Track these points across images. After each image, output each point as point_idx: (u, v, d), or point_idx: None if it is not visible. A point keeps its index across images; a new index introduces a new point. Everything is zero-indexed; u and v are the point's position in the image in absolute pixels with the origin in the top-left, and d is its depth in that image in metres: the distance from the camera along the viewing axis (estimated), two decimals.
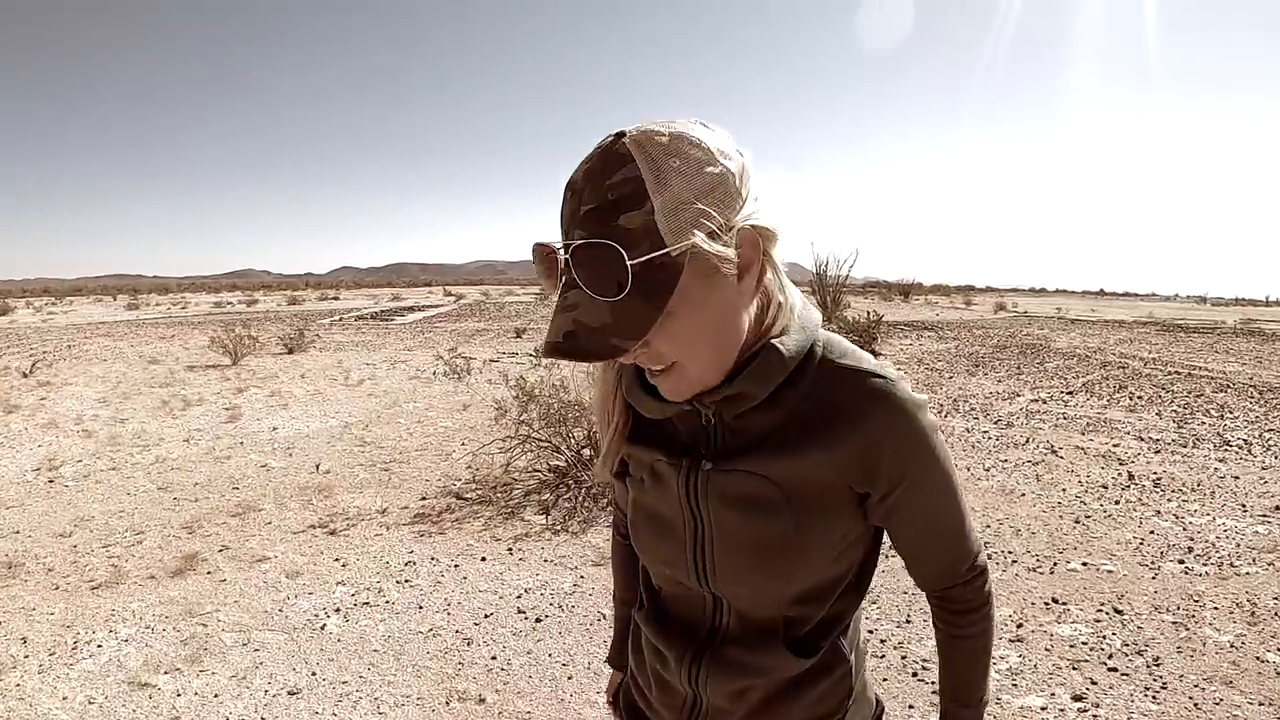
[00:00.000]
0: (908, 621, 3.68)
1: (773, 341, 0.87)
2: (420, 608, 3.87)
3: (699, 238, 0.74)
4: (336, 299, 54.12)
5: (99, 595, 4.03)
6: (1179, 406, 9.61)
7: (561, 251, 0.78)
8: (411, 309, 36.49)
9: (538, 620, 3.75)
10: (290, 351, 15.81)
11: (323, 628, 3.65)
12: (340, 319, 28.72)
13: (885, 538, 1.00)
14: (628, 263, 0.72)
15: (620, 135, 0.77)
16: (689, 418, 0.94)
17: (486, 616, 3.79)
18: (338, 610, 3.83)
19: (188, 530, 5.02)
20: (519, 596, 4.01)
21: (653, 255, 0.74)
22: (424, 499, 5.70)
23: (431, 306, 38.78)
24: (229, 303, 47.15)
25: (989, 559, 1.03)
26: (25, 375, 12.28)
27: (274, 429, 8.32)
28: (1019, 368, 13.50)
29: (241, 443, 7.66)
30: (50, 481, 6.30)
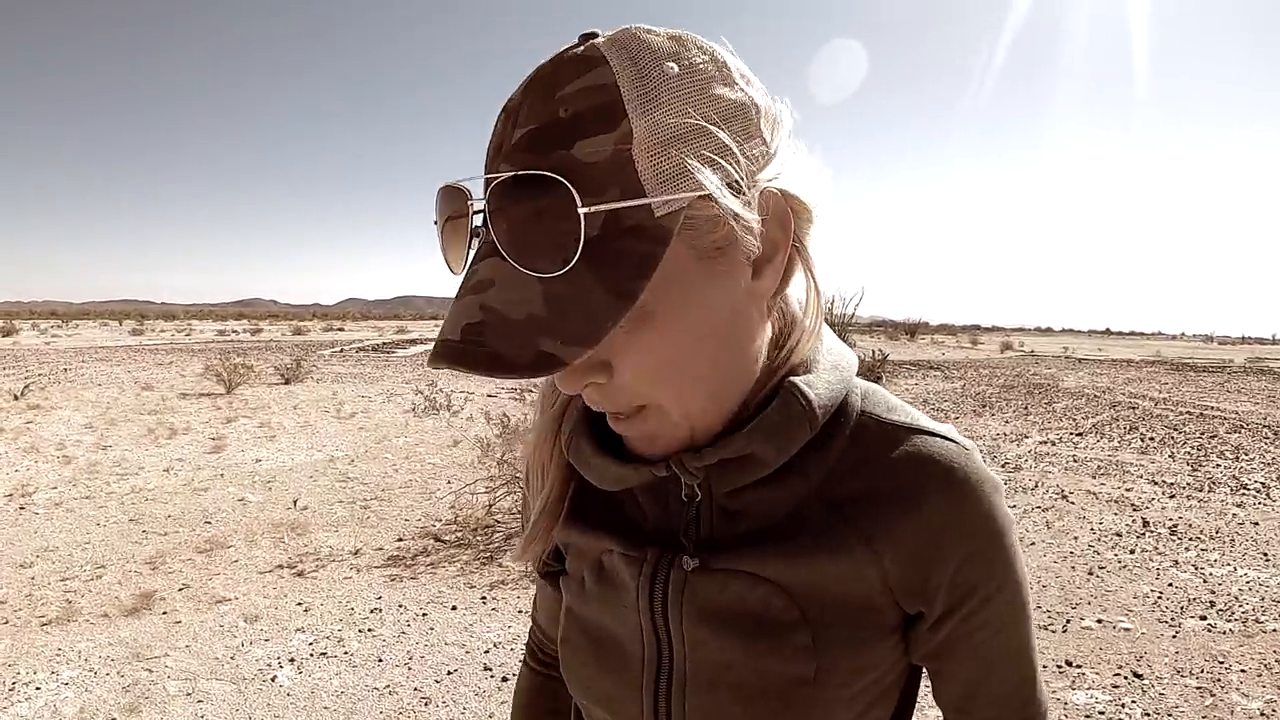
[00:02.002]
0: None
1: (795, 381, 0.58)
2: (380, 660, 3.60)
3: (707, 187, 0.47)
4: (341, 330, 54.33)
5: (48, 632, 3.83)
6: (1192, 448, 9.36)
7: (476, 206, 0.50)
8: (414, 342, 36.54)
9: (504, 680, 3.47)
10: (286, 382, 15.67)
11: (273, 679, 3.39)
12: (342, 350, 28.68)
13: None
14: (580, 210, 0.45)
15: (590, 36, 0.51)
16: (662, 489, 0.64)
17: (450, 673, 3.52)
18: (292, 660, 3.57)
19: (150, 566, 4.79)
20: (487, 652, 3.73)
21: (624, 205, 0.46)
22: (400, 540, 5.45)
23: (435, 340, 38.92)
24: (233, 331, 47.33)
25: None
26: (16, 398, 12.15)
27: (257, 461, 8.11)
28: (1026, 408, 13.25)
29: (222, 474, 7.44)
30: (21, 509, 6.11)
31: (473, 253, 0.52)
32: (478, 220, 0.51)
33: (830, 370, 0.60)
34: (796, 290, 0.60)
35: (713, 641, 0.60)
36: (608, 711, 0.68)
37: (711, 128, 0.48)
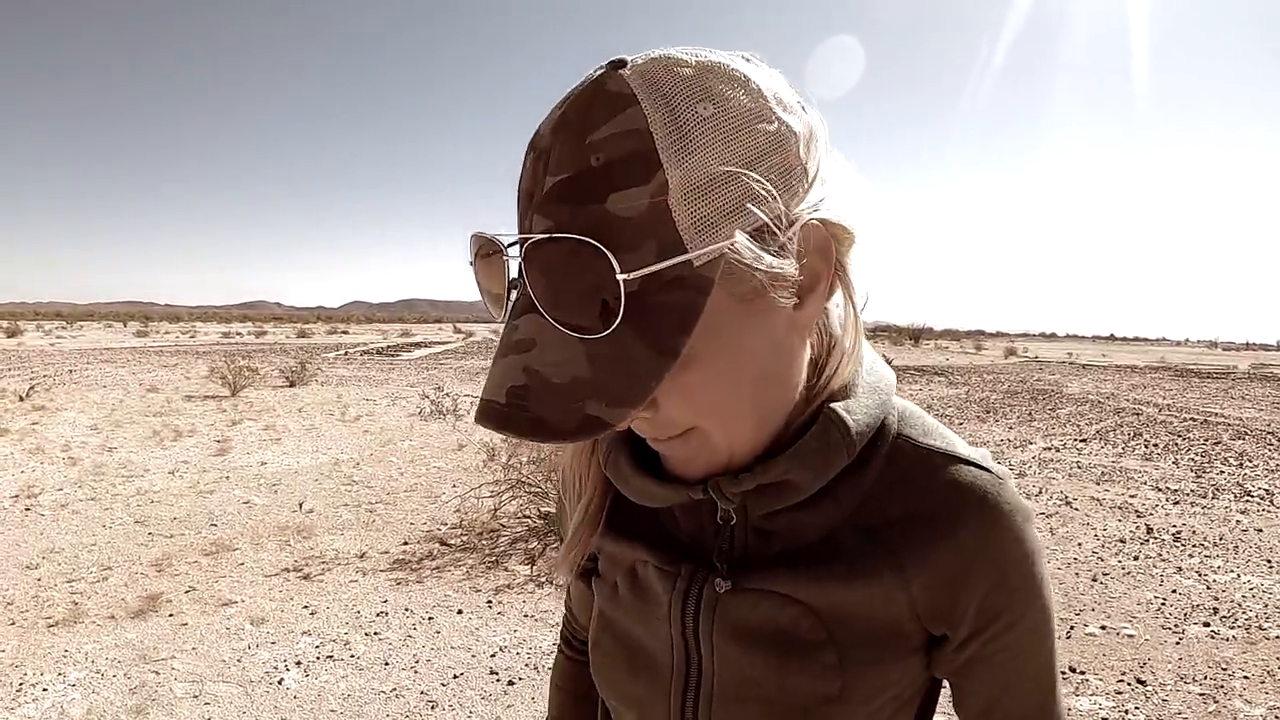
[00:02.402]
0: None
1: (834, 408, 0.58)
2: (386, 664, 3.61)
3: (741, 239, 0.46)
4: (346, 333, 54.35)
5: (54, 634, 3.84)
6: (1196, 455, 9.35)
7: (511, 250, 0.50)
8: (419, 345, 36.55)
9: (510, 684, 3.48)
10: (291, 385, 15.68)
11: (280, 682, 3.40)
12: (346, 353, 28.68)
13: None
14: (618, 276, 0.45)
15: (618, 65, 0.49)
16: (697, 509, 0.64)
17: (456, 677, 3.52)
18: (298, 663, 3.58)
19: (156, 568, 4.80)
20: (493, 655, 3.73)
21: (664, 265, 0.45)
22: (406, 544, 5.45)
23: (439, 343, 38.80)
24: (238, 334, 47.38)
25: None
26: (22, 399, 12.18)
27: (263, 464, 8.11)
28: (1030, 414, 13.23)
29: (227, 477, 7.45)
30: (27, 510, 6.12)
31: (511, 304, 0.52)
32: (514, 272, 0.50)
33: (869, 394, 0.60)
34: (836, 306, 0.60)
35: (743, 659, 0.61)
36: (637, 715, 0.69)
37: (748, 171, 0.47)
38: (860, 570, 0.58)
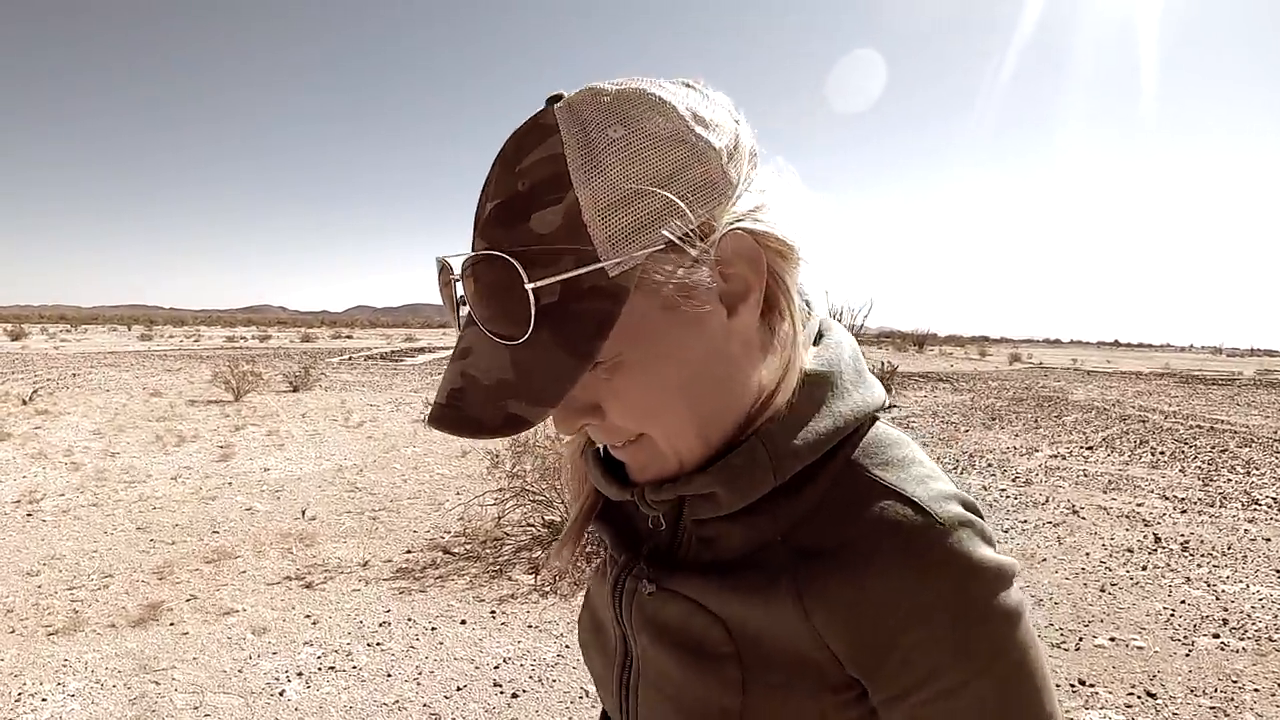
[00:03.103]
0: None
1: (768, 429, 0.57)
2: (389, 675, 3.57)
3: (649, 250, 0.50)
4: (350, 337, 54.42)
5: (54, 642, 3.82)
6: (1203, 462, 9.30)
7: (456, 270, 0.54)
8: (423, 350, 36.55)
9: (514, 696, 3.44)
10: (295, 389, 15.69)
11: (281, 693, 3.37)
12: (350, 358, 28.71)
13: None
14: (527, 286, 0.48)
15: (554, 100, 0.54)
16: (639, 509, 0.68)
17: (459, 689, 3.48)
18: (300, 674, 3.55)
19: (158, 576, 4.77)
20: (497, 667, 3.69)
21: (572, 274, 0.49)
22: (409, 552, 5.42)
23: (444, 348, 38.78)
24: (242, 338, 47.45)
25: None
26: (25, 402, 12.19)
27: (266, 470, 8.10)
28: (1036, 421, 13.17)
29: (230, 483, 7.43)
30: (29, 515, 6.11)
31: (462, 318, 0.56)
32: (460, 291, 0.55)
33: (825, 417, 0.58)
34: (788, 329, 0.60)
35: (652, 650, 0.64)
36: (596, 682, 0.75)
37: (659, 188, 0.50)
38: (766, 591, 0.56)
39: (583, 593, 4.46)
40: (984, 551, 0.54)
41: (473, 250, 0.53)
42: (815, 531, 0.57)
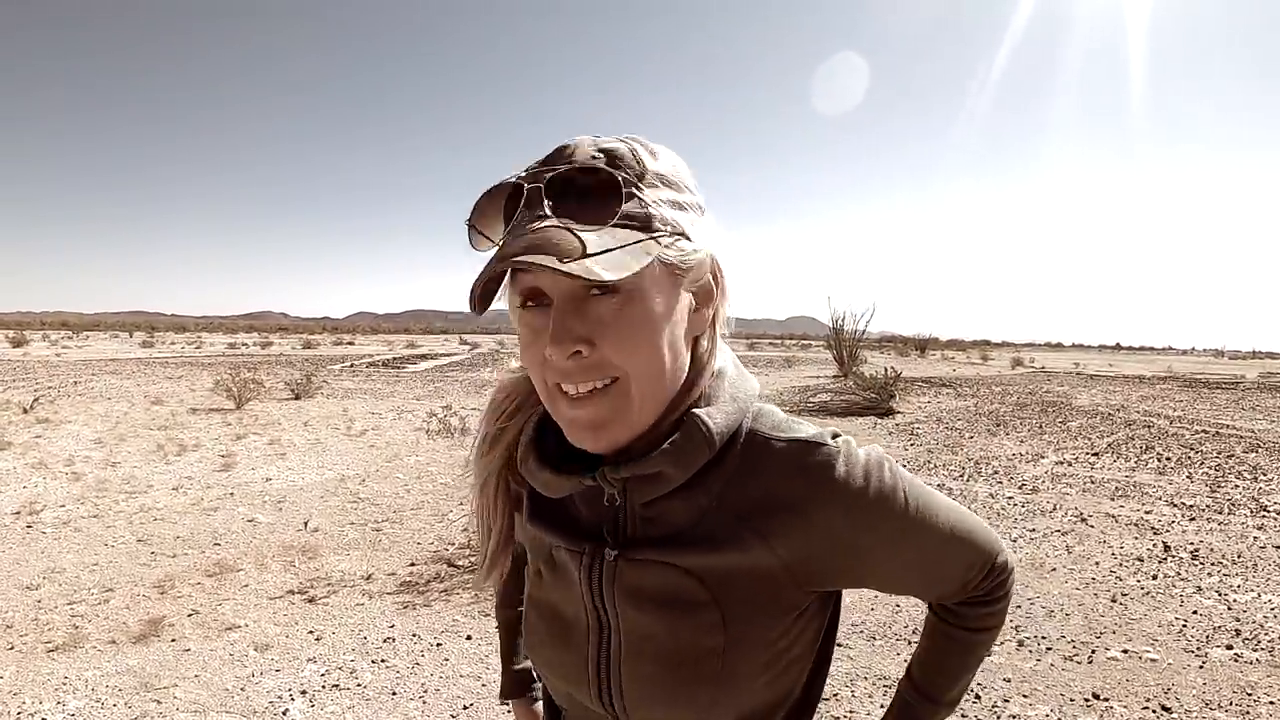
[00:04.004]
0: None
1: (696, 413, 0.73)
2: (394, 694, 3.52)
3: (678, 234, 0.70)
4: (352, 344, 54.38)
5: (54, 659, 3.77)
6: (1210, 468, 9.22)
7: (535, 183, 0.67)
8: (425, 357, 36.47)
9: None
10: (296, 397, 15.65)
11: (285, 712, 3.31)
12: (352, 365, 28.66)
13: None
14: (623, 191, 0.66)
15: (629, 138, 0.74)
16: (593, 496, 0.78)
17: (466, 708, 3.42)
18: (304, 692, 3.49)
19: (159, 590, 4.73)
20: None
21: (647, 210, 0.68)
22: (413, 565, 5.37)
23: (445, 355, 38.70)
24: (243, 344, 47.40)
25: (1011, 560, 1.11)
26: (25, 411, 12.14)
27: (268, 480, 8.05)
28: (1041, 427, 13.09)
29: (232, 494, 7.39)
30: (28, 527, 6.07)
31: (520, 214, 0.67)
32: (529, 192, 0.68)
33: (729, 402, 0.75)
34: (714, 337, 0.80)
35: (640, 617, 0.75)
36: (562, 680, 0.83)
37: (681, 202, 0.72)
38: (731, 544, 0.72)
39: None
40: (865, 449, 0.76)
41: (558, 169, 0.67)
42: (744, 490, 0.73)
